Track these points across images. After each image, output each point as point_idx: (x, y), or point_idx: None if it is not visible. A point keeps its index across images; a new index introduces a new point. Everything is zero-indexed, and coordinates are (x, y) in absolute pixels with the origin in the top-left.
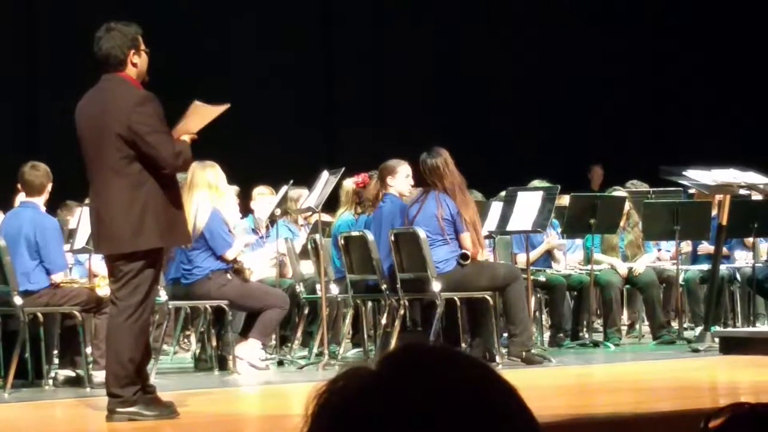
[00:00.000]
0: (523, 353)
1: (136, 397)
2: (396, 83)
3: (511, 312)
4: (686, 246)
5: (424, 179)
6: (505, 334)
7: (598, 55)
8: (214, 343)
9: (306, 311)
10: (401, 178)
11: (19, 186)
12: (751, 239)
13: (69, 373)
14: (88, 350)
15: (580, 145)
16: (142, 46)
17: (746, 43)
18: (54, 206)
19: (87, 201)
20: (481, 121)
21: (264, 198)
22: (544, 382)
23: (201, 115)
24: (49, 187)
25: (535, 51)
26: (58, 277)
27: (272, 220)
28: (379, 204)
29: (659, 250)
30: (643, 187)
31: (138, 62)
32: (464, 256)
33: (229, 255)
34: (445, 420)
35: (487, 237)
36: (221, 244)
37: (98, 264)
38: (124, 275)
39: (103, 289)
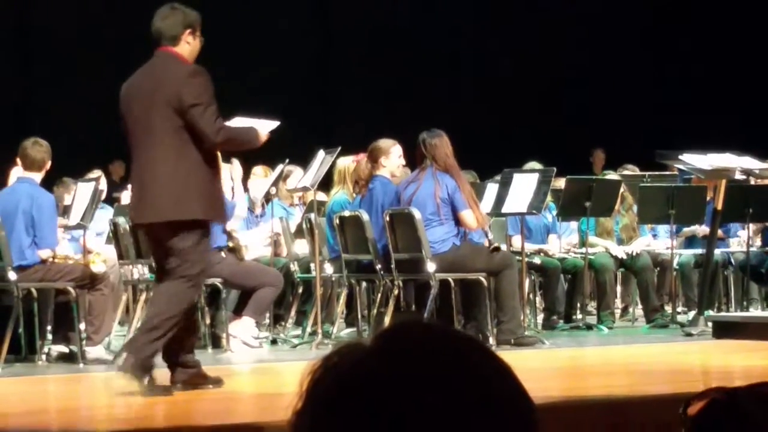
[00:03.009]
0: (512, 340)
1: (151, 362)
2: (394, 64)
3: (501, 299)
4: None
5: (417, 160)
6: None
7: (603, 38)
8: (208, 321)
9: (300, 290)
10: (394, 159)
11: (18, 160)
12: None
13: (62, 348)
14: (82, 326)
15: (582, 128)
16: (199, 32)
17: (753, 26)
18: (48, 185)
19: (86, 177)
20: (482, 103)
21: (257, 179)
22: (536, 365)
23: (264, 121)
24: (48, 165)
25: (536, 34)
26: (44, 254)
27: (267, 199)
28: (369, 186)
29: (654, 236)
30: (635, 171)
31: (191, 43)
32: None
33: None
34: (440, 395)
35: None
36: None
37: (92, 240)
38: (180, 251)
39: (98, 266)
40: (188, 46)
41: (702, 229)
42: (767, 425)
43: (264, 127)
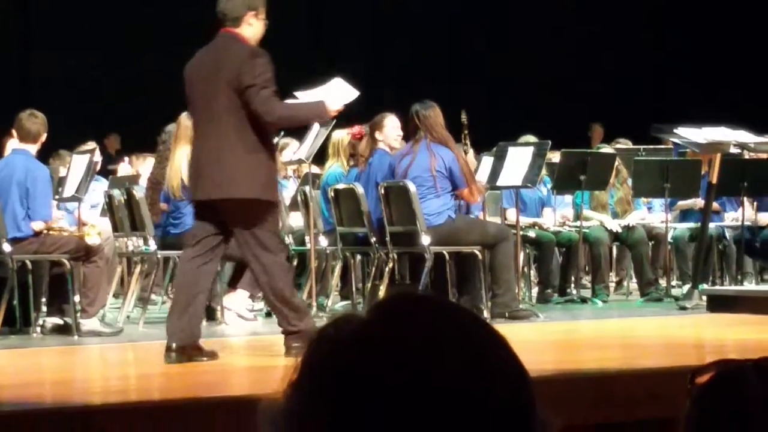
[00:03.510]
0: (506, 313)
1: (309, 330)
2: (388, 39)
3: (496, 272)
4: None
5: (410, 132)
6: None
7: (601, 14)
8: None
9: (295, 263)
10: (388, 131)
11: (13, 132)
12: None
13: (57, 320)
14: (77, 298)
15: (581, 103)
16: (262, 15)
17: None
18: (44, 158)
19: (81, 149)
20: (479, 78)
21: None
22: (531, 337)
23: (341, 91)
24: (44, 137)
25: (540, 11)
26: (37, 226)
27: None
28: (369, 161)
29: (649, 209)
30: (629, 144)
31: (254, 25)
32: None
33: None
34: (436, 365)
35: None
36: None
37: (87, 212)
38: (256, 235)
39: (92, 238)
40: (251, 27)
41: (700, 202)
42: (763, 407)
43: (340, 97)
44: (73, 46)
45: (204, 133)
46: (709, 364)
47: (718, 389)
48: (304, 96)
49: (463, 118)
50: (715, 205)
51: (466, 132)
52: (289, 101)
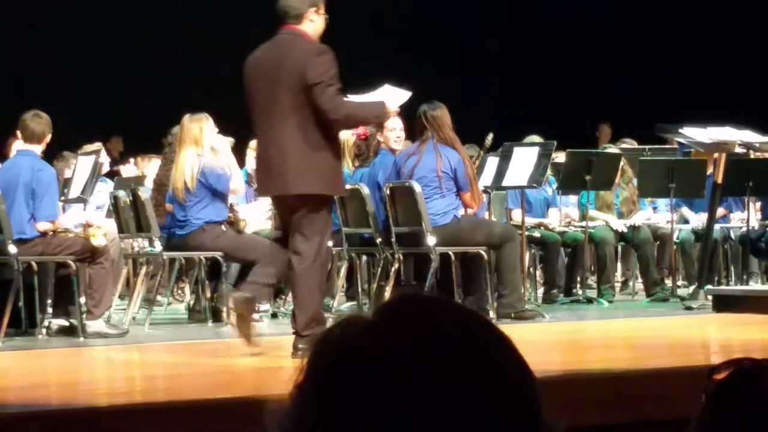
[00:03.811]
0: (512, 314)
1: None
2: (391, 39)
3: (503, 273)
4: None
5: (416, 132)
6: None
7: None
8: (208, 295)
9: None
10: (387, 132)
11: (18, 133)
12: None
13: (62, 322)
14: (82, 300)
15: (589, 103)
16: (322, 10)
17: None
18: (48, 160)
19: (83, 150)
20: (484, 77)
21: (252, 153)
22: (537, 338)
23: (393, 95)
24: (48, 137)
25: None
26: (43, 226)
27: None
28: (374, 160)
29: (654, 209)
30: (634, 144)
31: (316, 21)
32: None
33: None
34: (442, 367)
35: (483, 192)
36: (218, 180)
37: (93, 214)
38: (305, 224)
39: (98, 239)
40: (312, 24)
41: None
42: None
43: (395, 99)
44: (73, 45)
45: (268, 130)
46: (726, 362)
47: (735, 387)
48: (356, 100)
49: (488, 141)
50: (723, 210)
51: (484, 152)
52: (351, 100)
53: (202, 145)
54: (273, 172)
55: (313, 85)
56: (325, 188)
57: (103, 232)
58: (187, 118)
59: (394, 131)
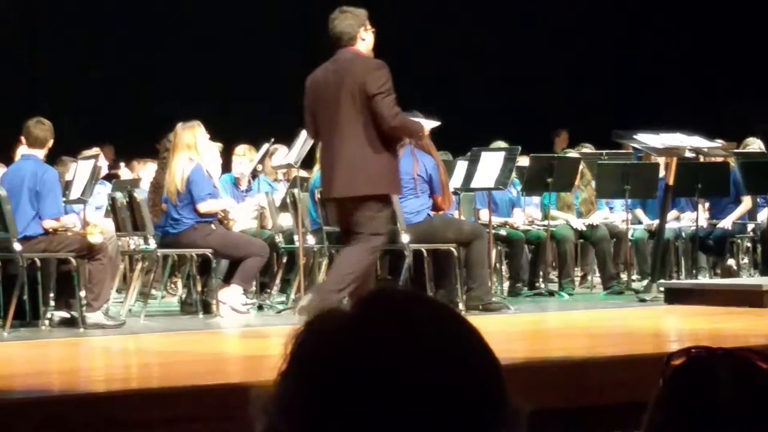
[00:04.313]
0: (480, 306)
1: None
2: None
3: (471, 268)
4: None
5: None
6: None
7: (565, 24)
8: (199, 289)
9: (284, 260)
10: None
11: (22, 139)
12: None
13: (64, 314)
14: (82, 293)
15: (546, 110)
16: (369, 25)
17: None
18: (50, 161)
19: (82, 155)
20: (453, 88)
21: (238, 158)
22: (502, 328)
23: (426, 121)
24: (51, 142)
25: (505, 19)
26: (49, 223)
27: (254, 175)
28: None
29: (611, 209)
30: (592, 149)
31: (366, 38)
32: None
33: (202, 207)
34: (417, 355)
35: (453, 193)
36: (200, 194)
37: (92, 213)
38: (365, 221)
39: (95, 237)
40: (364, 42)
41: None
42: (732, 388)
43: (427, 124)
44: (78, 55)
45: (331, 139)
46: (683, 350)
47: (691, 372)
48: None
49: None
50: (676, 212)
51: None
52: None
53: (196, 150)
54: (337, 176)
55: (374, 95)
56: (385, 188)
57: (99, 230)
58: (180, 125)
59: None
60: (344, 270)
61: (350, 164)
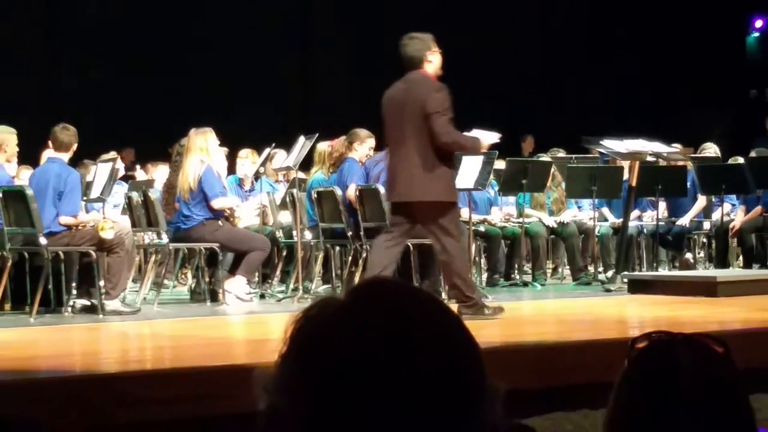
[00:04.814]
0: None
1: (478, 300)
2: (367, 62)
3: None
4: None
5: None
6: None
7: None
8: (207, 279)
9: (284, 253)
10: (365, 148)
11: (49, 143)
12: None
13: (85, 302)
14: (101, 283)
15: (514, 116)
16: (435, 47)
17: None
18: (72, 163)
19: (102, 158)
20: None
21: (242, 161)
22: None
23: (486, 135)
24: (75, 146)
25: (480, 24)
26: (65, 219)
27: (257, 177)
28: (341, 166)
29: (579, 208)
30: (563, 153)
31: (433, 60)
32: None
33: (215, 204)
34: (403, 340)
35: None
36: (212, 192)
37: (110, 211)
38: (439, 225)
39: (106, 233)
40: (431, 64)
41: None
42: (691, 368)
43: (488, 138)
44: (98, 68)
45: (397, 149)
46: (646, 334)
47: (653, 354)
48: (472, 132)
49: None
50: (638, 212)
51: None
52: (466, 133)
53: (207, 153)
54: (400, 183)
55: (431, 114)
56: (442, 195)
57: (111, 225)
58: (193, 131)
59: (371, 150)
60: (456, 270)
61: (413, 173)
